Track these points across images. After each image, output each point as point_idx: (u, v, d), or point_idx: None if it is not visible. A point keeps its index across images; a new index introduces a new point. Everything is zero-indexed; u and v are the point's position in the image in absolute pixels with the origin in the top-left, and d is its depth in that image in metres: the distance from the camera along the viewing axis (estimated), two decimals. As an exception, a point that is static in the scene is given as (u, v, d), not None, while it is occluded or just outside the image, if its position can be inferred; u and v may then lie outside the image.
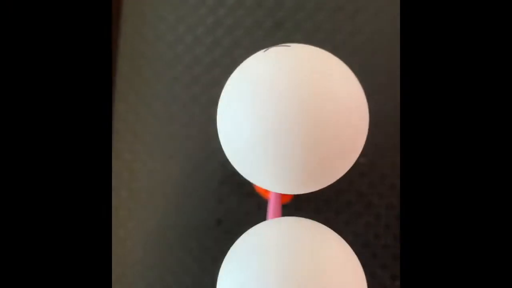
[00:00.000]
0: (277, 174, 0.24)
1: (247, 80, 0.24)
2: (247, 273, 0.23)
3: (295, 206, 0.48)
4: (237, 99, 0.24)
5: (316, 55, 0.24)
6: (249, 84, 0.24)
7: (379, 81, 0.48)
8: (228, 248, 0.27)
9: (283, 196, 0.44)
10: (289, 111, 0.22)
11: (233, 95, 0.25)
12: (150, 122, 0.51)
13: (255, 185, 0.48)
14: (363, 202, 0.48)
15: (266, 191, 0.46)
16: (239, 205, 0.48)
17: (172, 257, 0.49)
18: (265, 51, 0.25)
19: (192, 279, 0.48)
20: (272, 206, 0.35)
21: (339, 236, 0.26)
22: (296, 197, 0.48)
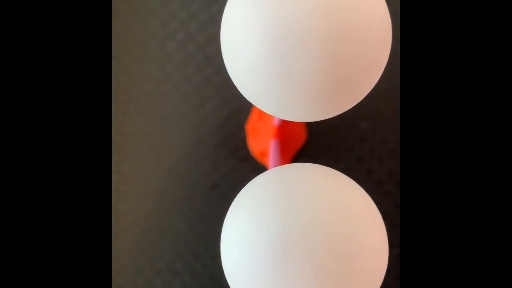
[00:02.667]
0: (287, 91, 0.21)
1: None
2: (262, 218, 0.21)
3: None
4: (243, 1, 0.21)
5: None
6: None
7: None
8: (222, 214, 0.25)
9: (282, 156, 0.42)
10: (302, 17, 0.19)
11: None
12: (144, 82, 0.49)
13: (251, 150, 0.46)
14: (363, 168, 0.47)
15: (263, 154, 0.45)
16: (234, 170, 0.47)
17: (166, 223, 0.47)
18: None
19: (185, 245, 0.47)
20: (273, 158, 0.32)
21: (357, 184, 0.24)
22: (293, 162, 0.46)
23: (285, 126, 0.44)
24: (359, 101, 0.23)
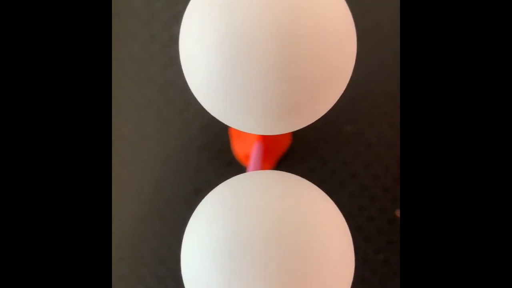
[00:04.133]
0: (248, 107, 0.20)
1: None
2: (219, 232, 0.21)
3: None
4: (200, 14, 0.20)
5: None
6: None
7: (369, 44, 0.45)
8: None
9: (264, 161, 0.42)
10: (263, 27, 0.18)
11: (195, 10, 0.21)
12: (126, 85, 0.48)
13: (235, 153, 0.45)
14: (349, 171, 0.46)
15: (248, 158, 0.44)
16: (218, 174, 0.46)
17: (147, 229, 0.46)
18: None
19: (168, 251, 0.46)
20: (253, 165, 0.32)
21: (322, 192, 0.24)
22: (278, 165, 0.46)
23: (269, 130, 0.43)
24: (321, 115, 0.23)
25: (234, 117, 0.21)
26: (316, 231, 0.20)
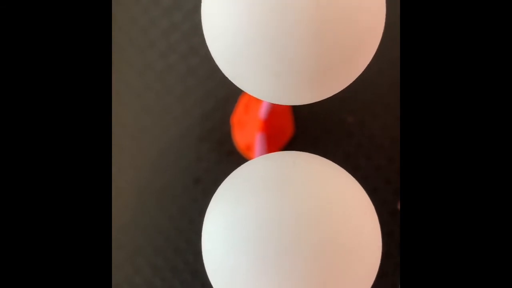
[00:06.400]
0: (272, 70, 0.19)
1: None
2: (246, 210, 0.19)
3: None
4: None
5: None
6: None
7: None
8: (205, 209, 0.24)
9: (268, 150, 0.41)
10: None
11: None
12: (125, 71, 0.47)
13: (236, 143, 0.45)
14: (350, 163, 0.46)
15: (249, 148, 0.44)
16: (218, 164, 0.45)
17: (146, 218, 0.46)
18: None
19: (167, 240, 0.45)
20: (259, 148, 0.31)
21: (345, 171, 0.23)
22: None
23: (272, 119, 0.43)
24: (349, 83, 0.21)
25: (263, 83, 0.20)
26: (347, 214, 0.20)
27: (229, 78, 0.21)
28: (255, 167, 0.21)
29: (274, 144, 0.44)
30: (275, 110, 0.43)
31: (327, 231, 0.19)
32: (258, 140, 0.39)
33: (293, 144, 0.45)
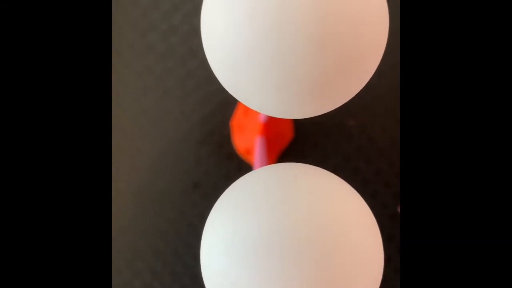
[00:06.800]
0: (273, 83, 0.19)
1: None
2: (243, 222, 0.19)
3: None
4: None
5: None
6: None
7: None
8: (204, 213, 0.24)
9: (268, 154, 0.41)
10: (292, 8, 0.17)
11: None
12: (123, 74, 0.47)
13: (236, 147, 0.44)
14: (350, 166, 0.46)
15: (248, 152, 0.43)
16: (217, 168, 0.45)
17: (145, 221, 0.46)
18: None
19: (166, 244, 0.45)
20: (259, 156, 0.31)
21: (346, 183, 0.22)
22: (279, 160, 0.45)
23: (271, 123, 0.42)
24: (352, 96, 0.21)
25: (263, 96, 0.20)
26: (348, 225, 0.19)
27: (228, 90, 0.21)
28: (256, 179, 0.21)
29: (273, 147, 0.43)
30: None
31: (330, 245, 0.19)
32: (257, 143, 0.38)
33: (293, 148, 0.45)
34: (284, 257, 0.18)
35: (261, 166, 0.31)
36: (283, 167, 0.22)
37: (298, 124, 0.45)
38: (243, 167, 0.45)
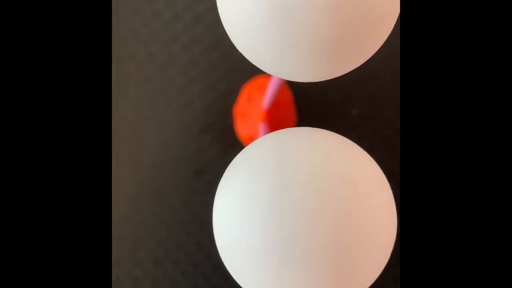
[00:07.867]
0: (289, 41, 0.18)
1: None
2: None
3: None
4: None
5: None
6: None
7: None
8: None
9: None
10: None
11: None
12: (126, 63, 0.46)
13: (239, 135, 0.44)
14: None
15: (252, 139, 0.43)
16: (220, 155, 0.45)
17: (147, 210, 0.45)
18: None
19: (168, 233, 0.45)
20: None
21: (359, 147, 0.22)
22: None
23: (274, 110, 0.42)
24: (367, 57, 0.21)
25: (279, 57, 0.19)
26: (363, 181, 0.19)
27: (242, 53, 0.21)
28: (268, 141, 0.21)
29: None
30: (278, 101, 0.43)
31: (345, 206, 0.19)
32: (261, 131, 0.38)
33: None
34: (300, 213, 0.18)
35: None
36: (296, 130, 0.22)
37: (301, 112, 0.45)
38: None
